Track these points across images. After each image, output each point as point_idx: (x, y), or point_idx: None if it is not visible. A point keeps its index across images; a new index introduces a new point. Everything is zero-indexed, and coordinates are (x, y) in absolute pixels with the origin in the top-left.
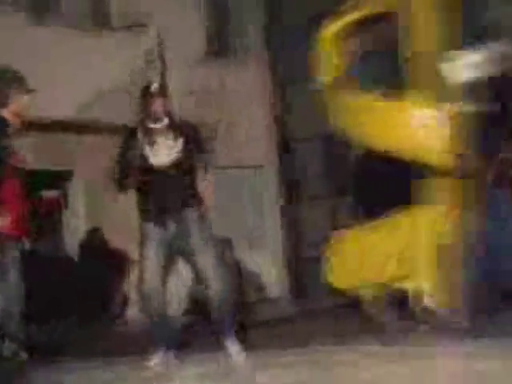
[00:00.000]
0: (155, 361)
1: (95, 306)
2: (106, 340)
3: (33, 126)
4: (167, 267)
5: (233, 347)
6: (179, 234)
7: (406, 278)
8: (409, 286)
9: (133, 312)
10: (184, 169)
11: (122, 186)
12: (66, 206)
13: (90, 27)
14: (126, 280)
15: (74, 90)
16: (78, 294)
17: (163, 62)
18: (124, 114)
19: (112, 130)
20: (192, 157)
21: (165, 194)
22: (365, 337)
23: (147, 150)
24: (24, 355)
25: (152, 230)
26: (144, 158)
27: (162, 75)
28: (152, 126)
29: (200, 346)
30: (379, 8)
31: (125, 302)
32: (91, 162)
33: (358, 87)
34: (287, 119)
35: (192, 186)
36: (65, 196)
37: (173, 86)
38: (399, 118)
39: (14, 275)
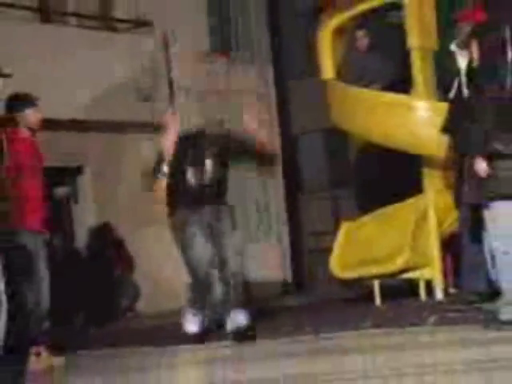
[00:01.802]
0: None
1: (106, 299)
2: (122, 335)
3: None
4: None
5: (240, 315)
6: (213, 218)
7: (417, 267)
8: (420, 275)
9: (143, 305)
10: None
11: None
12: (76, 201)
13: (96, 28)
14: (134, 272)
15: (81, 91)
16: (89, 289)
17: (169, 62)
18: (128, 111)
19: (116, 127)
20: (225, 173)
21: (201, 194)
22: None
23: (189, 172)
24: None
25: (189, 215)
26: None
27: (169, 77)
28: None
29: None
30: None
31: (135, 295)
32: (99, 158)
33: (360, 81)
34: (288, 114)
35: (225, 186)
36: (75, 191)
37: (178, 83)
38: (402, 111)
39: (44, 272)
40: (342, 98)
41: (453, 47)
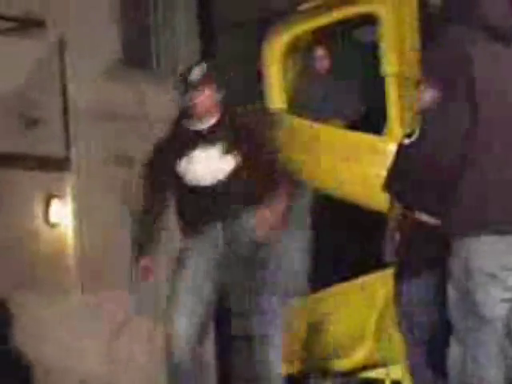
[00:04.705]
0: None
1: None
2: None
3: None
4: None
5: None
6: (230, 249)
7: (381, 364)
8: (386, 376)
9: None
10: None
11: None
12: None
13: None
14: None
15: None
16: None
17: (64, 73)
18: (7, 140)
19: None
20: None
21: (209, 206)
22: None
23: (183, 165)
24: None
25: (194, 246)
26: (178, 176)
27: (64, 90)
28: (192, 127)
29: None
30: (362, 8)
31: None
32: None
33: (316, 114)
34: None
35: (252, 185)
36: None
37: (77, 103)
38: (367, 155)
39: None
40: (293, 134)
41: None
